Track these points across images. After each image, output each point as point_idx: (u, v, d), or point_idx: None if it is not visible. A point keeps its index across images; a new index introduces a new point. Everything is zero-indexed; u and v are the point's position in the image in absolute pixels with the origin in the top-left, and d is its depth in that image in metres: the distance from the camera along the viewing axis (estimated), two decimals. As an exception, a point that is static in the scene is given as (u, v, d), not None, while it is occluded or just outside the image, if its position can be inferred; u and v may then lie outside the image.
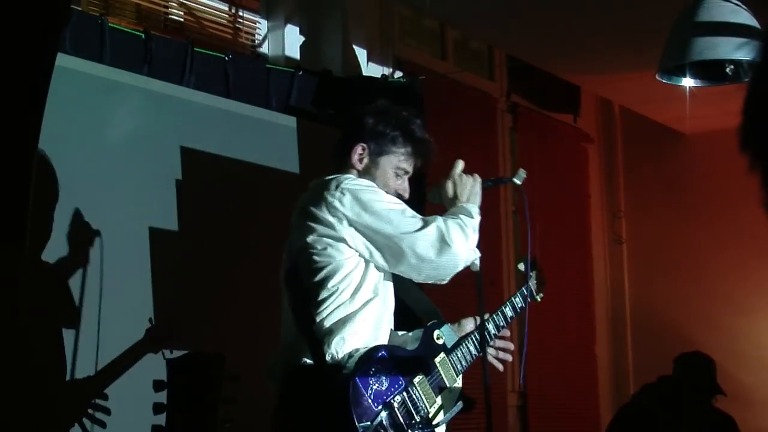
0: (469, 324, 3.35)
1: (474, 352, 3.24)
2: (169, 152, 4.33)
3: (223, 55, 4.67)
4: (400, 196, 3.12)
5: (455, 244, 2.93)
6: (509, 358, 3.48)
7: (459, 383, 3.15)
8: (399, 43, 6.02)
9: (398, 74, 5.80)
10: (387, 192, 3.08)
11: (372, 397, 2.80)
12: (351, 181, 3.00)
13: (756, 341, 7.37)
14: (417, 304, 3.25)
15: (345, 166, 3.14)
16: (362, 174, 3.10)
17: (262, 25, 5.40)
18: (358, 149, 3.12)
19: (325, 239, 2.93)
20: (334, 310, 2.91)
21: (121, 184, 4.10)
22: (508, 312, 3.48)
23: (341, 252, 2.93)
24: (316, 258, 2.94)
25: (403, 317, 3.24)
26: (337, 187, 2.97)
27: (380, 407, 2.81)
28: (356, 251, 2.95)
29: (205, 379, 2.85)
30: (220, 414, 2.86)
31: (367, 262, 2.97)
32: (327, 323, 2.90)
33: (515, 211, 6.92)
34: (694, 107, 6.41)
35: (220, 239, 4.47)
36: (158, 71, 4.34)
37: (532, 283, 3.64)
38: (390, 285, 3.10)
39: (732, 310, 7.45)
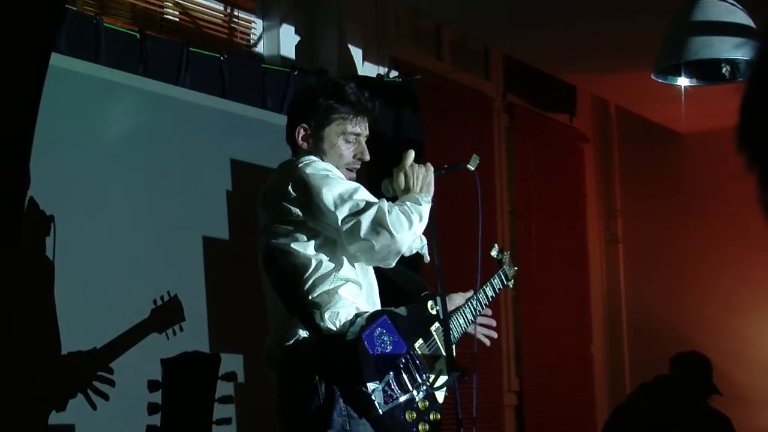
0: (458, 298, 3.43)
1: (464, 324, 3.35)
2: (165, 152, 4.32)
3: (219, 55, 4.67)
4: (361, 160, 3.15)
5: (394, 229, 2.92)
6: (494, 334, 3.55)
7: (453, 353, 3.19)
8: (395, 43, 6.02)
9: (394, 74, 5.80)
10: (343, 160, 3.12)
11: (379, 358, 2.88)
12: (306, 166, 3.02)
13: (752, 341, 7.37)
14: (404, 279, 3.30)
15: (297, 151, 3.17)
16: (313, 152, 3.12)
17: (257, 25, 5.39)
18: (300, 131, 3.14)
19: (291, 220, 2.98)
20: (318, 283, 2.95)
21: (116, 184, 4.09)
22: (489, 292, 3.55)
23: (307, 231, 2.98)
24: (287, 239, 2.98)
25: (388, 294, 3.27)
26: (294, 170, 3.01)
27: (387, 368, 2.89)
28: (324, 234, 3.00)
29: (200, 379, 2.85)
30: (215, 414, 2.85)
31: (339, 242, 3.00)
32: (314, 298, 2.94)
33: (512, 212, 6.92)
34: (689, 107, 6.42)
35: (216, 238, 4.46)
36: (154, 71, 4.33)
37: (510, 270, 3.68)
38: (370, 269, 3.13)
39: (728, 310, 7.45)
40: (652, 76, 4.74)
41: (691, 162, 7.78)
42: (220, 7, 5.22)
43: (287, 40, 5.41)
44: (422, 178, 3.15)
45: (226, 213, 4.52)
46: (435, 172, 3.19)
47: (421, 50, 6.42)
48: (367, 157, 3.16)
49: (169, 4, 4.99)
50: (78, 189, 3.94)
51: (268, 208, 3.07)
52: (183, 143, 4.41)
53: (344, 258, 3.01)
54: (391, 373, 2.91)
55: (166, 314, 4.03)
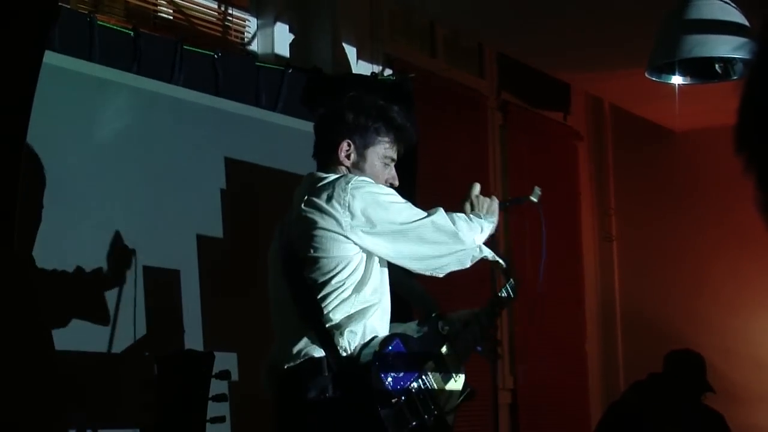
0: (465, 316, 3.44)
1: (474, 343, 3.36)
2: (159, 151, 4.31)
3: (213, 53, 4.66)
4: (391, 185, 3.18)
5: (461, 232, 3.04)
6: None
7: (463, 372, 3.24)
8: (389, 41, 6.01)
9: (388, 72, 5.80)
10: (378, 183, 3.14)
11: (392, 383, 2.88)
12: (357, 179, 3.05)
13: (745, 338, 7.38)
14: (413, 295, 3.37)
15: (333, 164, 3.17)
16: (351, 169, 3.15)
17: (251, 23, 5.39)
18: (344, 146, 3.16)
19: (330, 233, 2.98)
20: (339, 304, 2.96)
21: (109, 183, 4.08)
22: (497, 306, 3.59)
23: (346, 248, 2.99)
24: (320, 253, 2.99)
25: (396, 310, 3.28)
26: (347, 183, 3.02)
27: (400, 392, 2.90)
28: (360, 247, 3.01)
29: (194, 378, 2.84)
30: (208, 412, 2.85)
31: (369, 258, 3.03)
32: (335, 317, 2.95)
33: (506, 209, 6.91)
34: (683, 105, 6.42)
35: (210, 236, 4.46)
36: (147, 69, 4.33)
37: (510, 284, 3.69)
38: (388, 285, 3.15)
39: (722, 308, 7.47)
40: (646, 74, 4.75)
41: (685, 160, 7.79)
42: (214, 5, 5.22)
43: (281, 38, 5.41)
44: (487, 206, 3.27)
45: (220, 211, 4.52)
46: (500, 205, 3.32)
47: (415, 48, 6.42)
48: (397, 183, 3.22)
49: (163, 2, 4.99)
50: (71, 187, 3.93)
51: (308, 216, 3.04)
52: (177, 141, 4.40)
53: (371, 278, 3.04)
54: (402, 397, 2.91)
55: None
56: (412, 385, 2.95)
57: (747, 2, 4.40)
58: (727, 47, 4.36)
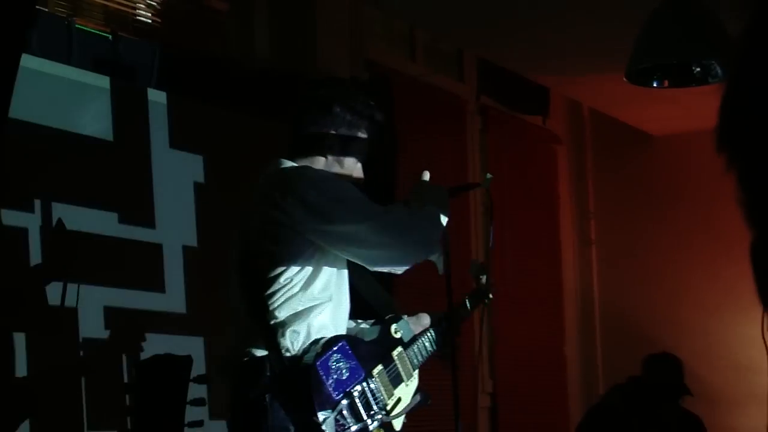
0: (426, 318, 3.37)
1: (430, 348, 3.27)
2: (139, 154, 4.30)
3: (195, 57, 4.65)
4: (357, 181, 3.15)
5: (419, 227, 3.00)
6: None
7: (416, 378, 3.17)
8: (368, 45, 6.01)
9: (367, 76, 5.79)
10: (350, 177, 3.11)
11: (333, 386, 2.80)
12: (312, 171, 3.01)
13: (723, 341, 7.41)
14: (372, 295, 3.26)
15: (312, 153, 3.12)
16: (331, 162, 3.11)
17: (231, 26, 5.38)
18: (330, 137, 3.12)
19: (282, 228, 2.92)
20: (285, 301, 2.89)
21: (89, 185, 4.07)
22: (462, 313, 3.51)
23: (297, 243, 2.92)
24: (271, 248, 2.93)
25: (356, 307, 3.23)
26: (301, 176, 2.98)
27: (341, 396, 2.81)
28: (313, 243, 2.94)
29: (172, 382, 2.83)
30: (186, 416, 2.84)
31: (322, 254, 2.96)
32: (279, 314, 2.89)
33: (485, 212, 6.93)
34: (662, 108, 6.46)
35: (191, 246, 4.45)
36: (126, 73, 4.31)
37: (483, 286, 3.62)
38: (346, 282, 3.08)
39: (699, 311, 7.50)
40: (625, 79, 4.76)
41: (664, 163, 7.82)
42: (194, 9, 5.20)
43: (260, 41, 5.40)
44: (437, 195, 3.20)
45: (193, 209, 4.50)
46: (450, 191, 3.25)
47: (395, 52, 6.43)
48: (362, 180, 3.18)
49: (142, 5, 4.97)
50: (50, 190, 3.92)
51: (263, 207, 2.99)
52: (157, 144, 4.39)
53: (321, 275, 2.96)
54: (344, 401, 2.83)
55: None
56: (355, 388, 2.87)
57: (725, 7, 4.42)
58: (705, 51, 4.38)
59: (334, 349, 2.84)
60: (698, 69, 4.51)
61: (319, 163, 3.10)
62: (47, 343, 3.81)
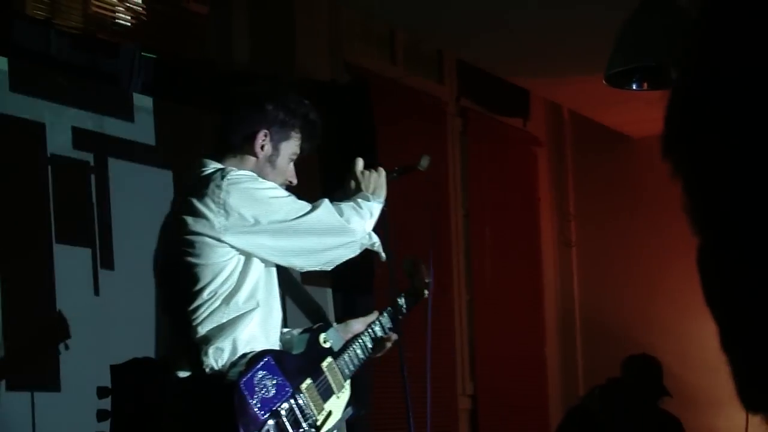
0: (356, 325, 3.23)
1: (362, 356, 3.13)
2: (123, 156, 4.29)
3: (171, 60, 4.64)
4: (290, 183, 3.04)
5: (350, 222, 2.91)
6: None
7: (347, 389, 3.03)
8: (348, 47, 6.01)
9: (347, 78, 5.79)
10: (281, 179, 3.00)
11: (258, 406, 2.65)
12: (234, 173, 2.85)
13: (702, 342, 7.42)
14: (302, 303, 3.19)
15: (243, 152, 2.98)
16: (262, 161, 2.98)
17: (210, 30, 5.36)
18: (261, 136, 2.97)
19: (203, 238, 2.78)
20: (209, 315, 2.75)
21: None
22: (385, 321, 3.32)
23: (219, 253, 2.78)
24: (193, 259, 2.78)
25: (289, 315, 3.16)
26: (222, 179, 2.81)
27: (267, 416, 2.67)
28: (238, 251, 2.80)
29: (150, 385, 2.82)
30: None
31: (246, 262, 2.82)
32: (202, 329, 2.75)
33: (466, 215, 6.94)
34: (641, 111, 6.47)
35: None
36: (105, 76, 4.30)
37: (417, 284, 3.51)
38: (275, 287, 2.94)
39: (679, 313, 7.52)
40: (604, 81, 4.78)
41: (643, 165, 7.84)
42: (173, 11, 5.19)
43: (240, 44, 5.39)
44: (374, 181, 3.10)
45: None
46: (387, 175, 3.14)
47: (375, 54, 6.43)
48: (295, 181, 3.06)
49: (121, 8, 4.96)
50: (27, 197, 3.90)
51: (183, 215, 2.84)
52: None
53: (246, 283, 2.81)
54: (271, 421, 2.66)
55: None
56: (282, 405, 2.71)
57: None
58: (683, 54, 4.39)
59: (259, 365, 2.68)
60: (673, 71, 4.52)
61: (249, 163, 2.97)
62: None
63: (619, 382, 5.54)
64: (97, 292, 4.06)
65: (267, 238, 2.82)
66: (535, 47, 6.09)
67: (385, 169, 3.16)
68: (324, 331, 3.04)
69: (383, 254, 3.09)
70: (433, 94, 6.73)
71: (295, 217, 2.85)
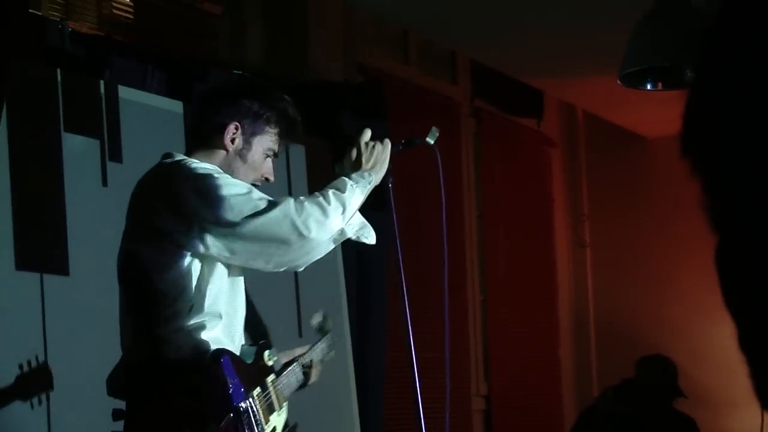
0: (297, 350, 3.14)
1: (295, 383, 3.04)
2: (134, 156, 4.29)
3: (185, 61, 4.65)
4: (266, 180, 2.91)
5: (306, 227, 2.64)
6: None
7: (285, 411, 2.93)
8: (362, 48, 6.02)
9: (360, 79, 5.80)
10: (254, 175, 2.87)
11: (221, 398, 2.59)
12: (187, 166, 2.74)
13: (716, 343, 7.41)
14: (252, 316, 2.99)
15: (212, 146, 2.86)
16: (232, 155, 2.85)
17: (223, 30, 5.38)
18: (232, 128, 2.84)
19: (158, 239, 2.68)
20: (173, 318, 2.66)
21: (82, 192, 4.06)
22: (314, 356, 3.21)
23: (176, 254, 2.67)
24: (148, 262, 2.68)
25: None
26: (176, 174, 2.71)
27: (229, 408, 2.59)
28: (194, 251, 2.67)
29: (176, 385, 2.81)
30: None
31: (207, 267, 2.70)
32: (164, 331, 2.66)
33: (479, 216, 6.94)
34: (655, 111, 6.46)
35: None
36: (120, 76, 4.31)
37: (327, 341, 3.34)
38: (240, 293, 2.84)
39: (694, 313, 7.50)
40: (618, 81, 4.77)
41: (658, 166, 7.83)
42: (187, 12, 5.21)
43: (253, 45, 5.40)
44: (376, 154, 2.95)
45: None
46: (393, 147, 3.01)
47: (389, 55, 6.43)
48: (272, 178, 2.92)
49: (136, 9, 4.97)
50: (41, 196, 3.91)
51: (137, 215, 2.76)
52: (151, 149, 4.38)
53: (212, 281, 2.70)
54: (231, 414, 2.58)
55: (33, 381, 3.69)
56: (241, 404, 2.62)
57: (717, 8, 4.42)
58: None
59: (221, 361, 2.60)
60: (690, 71, 4.52)
61: (218, 157, 2.85)
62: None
63: (633, 382, 5.53)
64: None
65: (212, 239, 2.65)
66: (549, 47, 6.08)
67: (391, 141, 3.04)
68: (268, 348, 2.92)
69: (370, 239, 2.95)
70: (447, 94, 6.73)
71: (240, 219, 2.64)
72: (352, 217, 2.80)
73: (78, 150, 4.02)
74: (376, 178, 2.93)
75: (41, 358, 3.69)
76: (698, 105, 0.90)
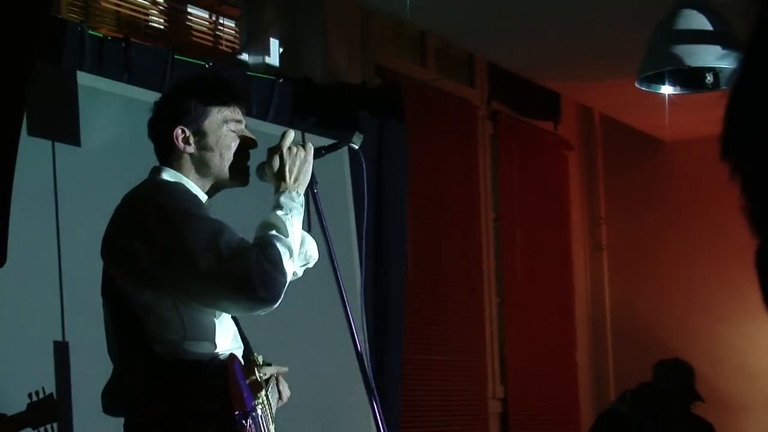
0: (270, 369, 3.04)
1: (276, 401, 2.90)
2: (150, 161, 4.31)
3: (204, 63, 4.66)
4: (248, 145, 2.83)
5: (264, 288, 2.54)
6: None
7: (273, 425, 2.83)
8: (379, 51, 6.03)
9: (378, 81, 5.81)
10: (232, 150, 2.78)
11: (245, 397, 2.57)
12: (161, 196, 2.67)
13: (734, 347, 7.40)
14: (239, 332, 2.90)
15: (176, 157, 2.79)
16: (196, 152, 2.77)
17: (242, 33, 5.40)
18: (178, 133, 2.77)
19: (132, 270, 2.63)
20: (166, 345, 2.60)
21: (100, 193, 4.07)
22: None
23: (156, 289, 2.61)
24: (136, 288, 2.63)
25: None
26: (146, 202, 2.68)
27: (248, 410, 2.56)
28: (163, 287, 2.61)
29: (191, 386, 2.80)
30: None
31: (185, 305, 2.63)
32: (159, 348, 2.60)
33: (496, 219, 6.94)
34: (673, 114, 6.45)
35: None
36: (138, 78, 4.33)
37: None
38: (227, 326, 2.75)
39: (711, 316, 7.48)
40: (636, 84, 4.77)
41: (675, 169, 7.82)
42: (206, 15, 5.23)
43: (272, 48, 5.42)
44: (299, 164, 2.79)
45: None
46: (315, 152, 2.85)
47: (406, 58, 6.44)
48: (256, 144, 2.84)
49: (154, 11, 4.99)
50: (62, 197, 3.93)
51: (116, 243, 2.70)
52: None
53: (206, 319, 2.65)
54: (249, 419, 2.55)
55: (43, 411, 3.72)
56: (257, 407, 2.59)
57: (736, 12, 4.42)
58: (717, 57, 4.38)
59: (234, 365, 2.57)
60: (710, 74, 4.51)
61: (187, 162, 2.81)
62: None
63: (650, 386, 5.52)
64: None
65: (176, 283, 2.60)
66: (567, 50, 6.08)
67: (315, 147, 2.86)
68: (258, 365, 2.80)
69: (314, 256, 2.88)
70: (464, 97, 6.74)
71: (210, 263, 2.54)
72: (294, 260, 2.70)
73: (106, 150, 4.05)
74: (303, 190, 2.80)
75: None
76: (739, 107, 0.90)
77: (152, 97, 4.33)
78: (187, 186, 2.75)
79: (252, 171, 2.87)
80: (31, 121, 3.73)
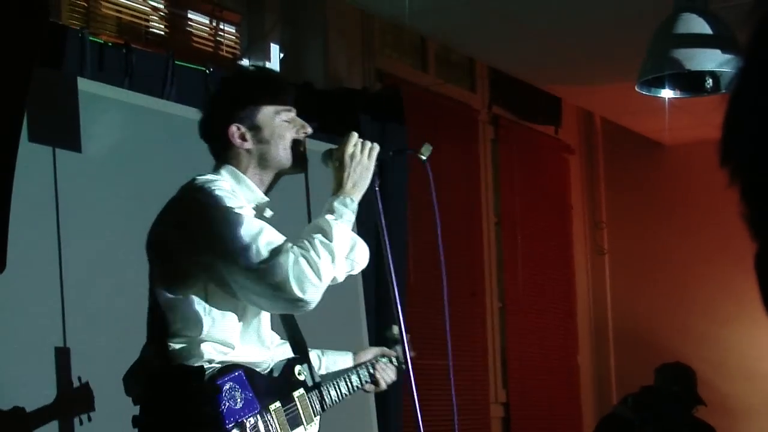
0: (367, 355, 3.19)
1: (346, 391, 3.05)
2: (150, 166, 4.31)
3: (204, 69, 4.67)
4: (305, 133, 2.90)
5: (301, 290, 2.60)
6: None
7: (317, 425, 2.90)
8: (380, 55, 6.04)
9: (379, 86, 5.82)
10: (288, 140, 2.85)
11: (225, 413, 2.58)
12: (202, 192, 2.74)
13: (736, 351, 7.40)
14: (289, 330, 3.01)
15: (234, 154, 2.86)
16: (254, 148, 2.83)
17: (243, 38, 5.40)
18: (233, 130, 2.84)
19: (173, 265, 2.72)
20: (183, 342, 2.67)
21: (101, 199, 4.08)
22: (364, 374, 3.23)
23: (187, 285, 2.69)
24: (165, 284, 2.72)
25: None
26: (189, 201, 2.76)
27: (232, 425, 2.58)
28: (201, 283, 2.69)
29: (183, 392, 2.82)
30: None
31: (215, 301, 2.70)
32: (175, 348, 2.68)
33: (498, 223, 6.94)
34: (673, 118, 6.45)
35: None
36: (139, 84, 4.33)
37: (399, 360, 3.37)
38: (261, 324, 2.81)
39: (712, 320, 7.48)
40: (636, 88, 4.77)
41: (676, 173, 7.82)
42: (206, 20, 5.23)
43: (273, 53, 5.43)
44: (360, 170, 2.86)
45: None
46: (379, 154, 2.92)
47: (407, 63, 6.44)
48: (310, 130, 2.91)
49: (155, 17, 5.00)
50: (63, 203, 3.93)
51: (162, 238, 2.80)
52: (169, 157, 4.40)
53: (223, 325, 2.70)
54: (235, 430, 2.58)
55: (75, 401, 3.73)
56: (248, 419, 2.60)
57: (736, 17, 4.42)
58: (717, 61, 4.38)
59: (231, 376, 2.62)
60: (710, 78, 4.51)
61: (245, 158, 2.88)
62: None
63: (652, 390, 5.52)
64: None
65: (222, 277, 2.66)
66: (567, 55, 6.08)
67: (380, 153, 2.92)
68: (301, 363, 2.92)
69: (362, 262, 2.89)
70: (465, 102, 6.74)
71: (249, 265, 2.60)
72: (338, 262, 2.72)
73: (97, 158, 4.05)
74: (359, 196, 2.85)
75: None
76: (738, 113, 0.90)
77: (153, 102, 4.37)
78: (241, 184, 2.83)
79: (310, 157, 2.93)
80: (31, 127, 3.74)
